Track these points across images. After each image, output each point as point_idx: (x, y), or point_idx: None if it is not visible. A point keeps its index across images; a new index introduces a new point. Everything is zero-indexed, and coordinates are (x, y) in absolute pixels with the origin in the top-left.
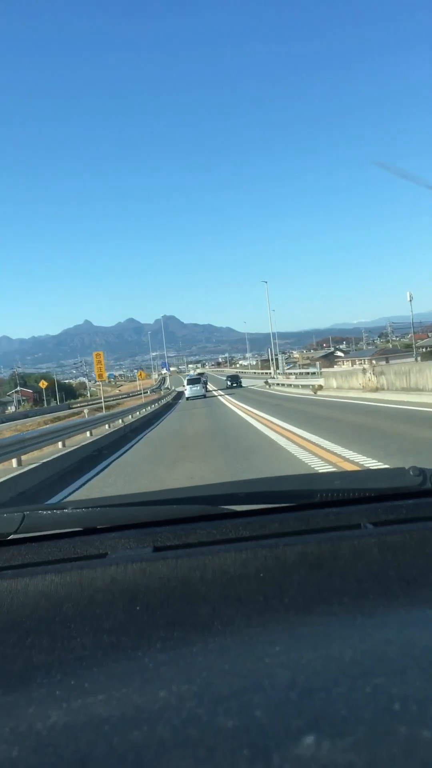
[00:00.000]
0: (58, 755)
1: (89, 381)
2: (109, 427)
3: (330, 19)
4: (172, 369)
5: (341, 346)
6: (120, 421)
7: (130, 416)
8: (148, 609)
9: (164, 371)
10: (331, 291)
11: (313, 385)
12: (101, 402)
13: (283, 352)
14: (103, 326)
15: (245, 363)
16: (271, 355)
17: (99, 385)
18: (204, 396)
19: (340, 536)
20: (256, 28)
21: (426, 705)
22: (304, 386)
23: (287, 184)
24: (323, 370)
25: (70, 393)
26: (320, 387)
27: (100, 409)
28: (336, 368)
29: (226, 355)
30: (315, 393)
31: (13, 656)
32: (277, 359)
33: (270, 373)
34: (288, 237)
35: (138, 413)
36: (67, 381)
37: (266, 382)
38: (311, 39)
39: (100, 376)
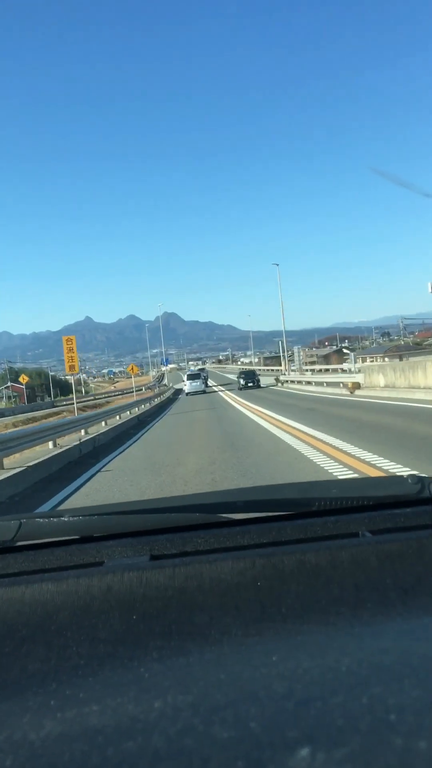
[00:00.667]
0: (52, 765)
1: (88, 377)
2: (55, 446)
3: (331, 24)
4: (172, 366)
5: (344, 345)
6: (83, 431)
7: (103, 423)
8: (144, 618)
9: (164, 368)
10: (332, 290)
11: (346, 383)
12: (89, 399)
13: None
14: (104, 323)
15: (247, 360)
16: (282, 349)
17: (95, 381)
18: (204, 392)
19: (338, 545)
20: (257, 34)
21: (422, 715)
22: (329, 384)
23: (288, 186)
24: (366, 364)
25: (65, 389)
26: (357, 385)
27: (85, 407)
28: (346, 364)
29: (228, 352)
30: (352, 393)
31: (8, 665)
32: (291, 354)
33: (280, 370)
34: (289, 236)
35: (118, 417)
36: (64, 377)
37: (277, 380)
38: (312, 45)
39: (72, 367)
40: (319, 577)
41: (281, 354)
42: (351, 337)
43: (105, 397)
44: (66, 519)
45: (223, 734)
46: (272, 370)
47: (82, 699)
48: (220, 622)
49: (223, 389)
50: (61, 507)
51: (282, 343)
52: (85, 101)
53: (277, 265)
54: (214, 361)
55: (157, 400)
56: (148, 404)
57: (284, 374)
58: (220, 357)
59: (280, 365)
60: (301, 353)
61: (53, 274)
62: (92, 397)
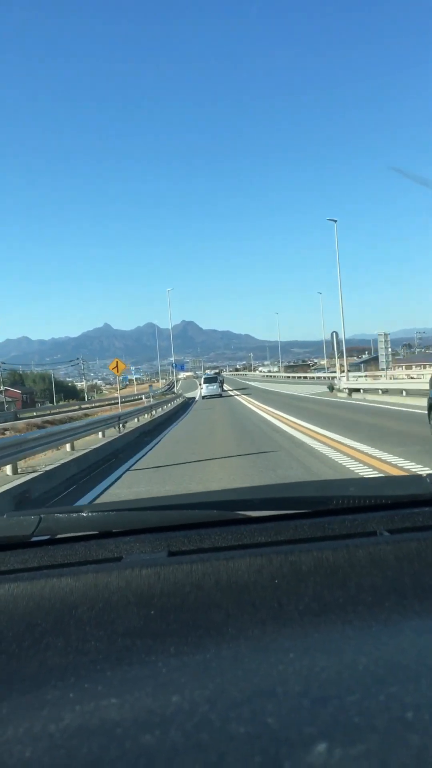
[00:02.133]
0: (71, 757)
1: (104, 383)
2: None
3: (342, 21)
4: (188, 374)
5: (364, 356)
6: None
7: None
8: (162, 613)
9: (181, 375)
10: (349, 302)
11: None
12: (67, 410)
13: (304, 360)
14: (123, 330)
15: (265, 370)
16: (337, 345)
17: (109, 388)
18: (220, 395)
19: (356, 543)
20: (267, 34)
21: None
22: None
23: (306, 195)
24: None
25: (70, 394)
26: None
27: (46, 423)
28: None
29: (245, 362)
30: None
31: (28, 658)
32: (314, 362)
33: (336, 377)
34: (306, 248)
35: None
36: (71, 382)
37: (332, 388)
38: (326, 43)
39: None
40: (337, 575)
41: (334, 350)
42: (370, 348)
43: (94, 407)
44: (85, 514)
45: (240, 729)
46: (301, 377)
47: (101, 692)
48: (237, 619)
49: (239, 393)
50: None
51: (340, 334)
52: (89, 104)
53: (335, 221)
54: (231, 369)
55: (147, 417)
56: (121, 427)
57: (340, 379)
58: (238, 366)
59: (306, 372)
60: (320, 362)
61: (74, 281)
62: (77, 406)
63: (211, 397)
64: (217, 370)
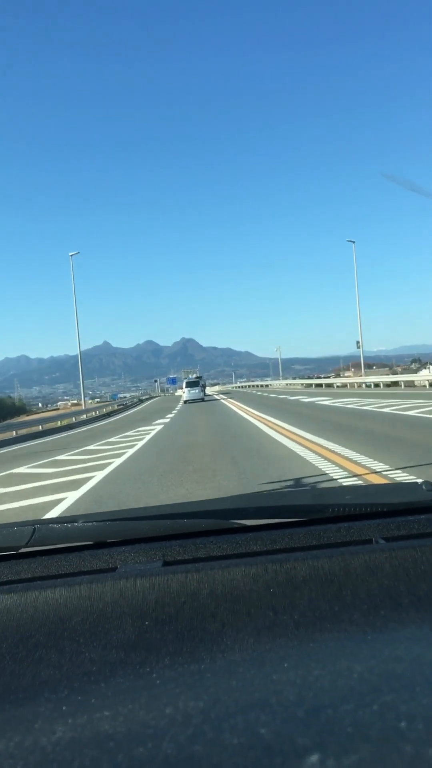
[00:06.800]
0: None
1: (96, 400)
2: None
3: (342, 24)
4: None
5: (372, 370)
6: None
7: None
8: (157, 624)
9: (180, 391)
10: (349, 320)
11: None
12: None
13: (309, 376)
14: (122, 348)
15: (273, 382)
16: None
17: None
18: (202, 399)
19: (352, 551)
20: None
21: None
22: None
23: (306, 214)
24: None
25: (14, 411)
26: None
27: None
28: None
29: (245, 379)
30: None
31: (21, 670)
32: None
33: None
34: (307, 268)
35: None
36: (20, 398)
37: None
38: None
39: None
40: (332, 583)
41: None
42: (376, 363)
43: None
44: (79, 524)
45: (233, 741)
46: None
47: (94, 705)
48: (232, 629)
49: (237, 404)
50: None
51: None
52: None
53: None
54: (236, 385)
55: None
56: None
57: None
58: (239, 383)
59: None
60: (345, 374)
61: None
62: None
63: (194, 401)
64: (198, 375)
